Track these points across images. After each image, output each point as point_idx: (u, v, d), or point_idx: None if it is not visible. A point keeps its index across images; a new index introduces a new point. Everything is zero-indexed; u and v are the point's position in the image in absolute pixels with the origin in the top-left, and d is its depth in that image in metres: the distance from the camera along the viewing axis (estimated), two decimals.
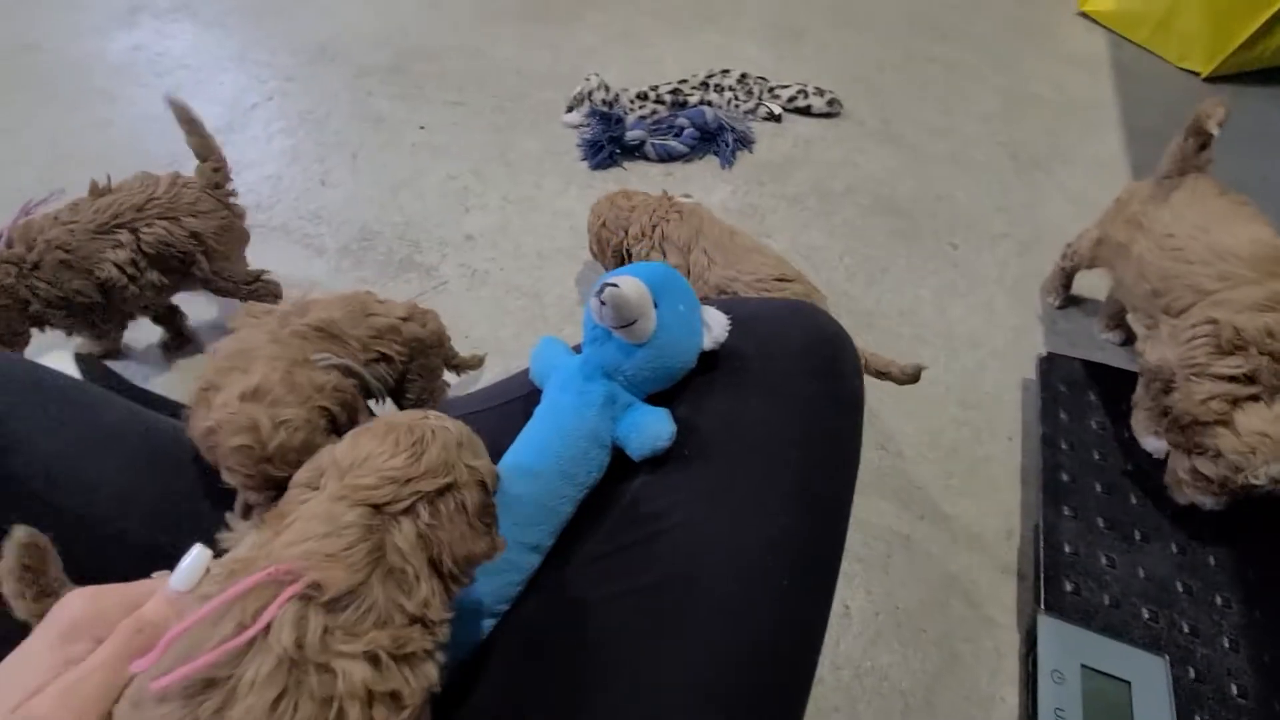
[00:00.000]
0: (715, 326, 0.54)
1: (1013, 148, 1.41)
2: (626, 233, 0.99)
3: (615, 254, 1.01)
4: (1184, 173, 0.90)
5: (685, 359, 0.53)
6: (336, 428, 0.51)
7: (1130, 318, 1.00)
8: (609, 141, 1.27)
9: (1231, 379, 0.74)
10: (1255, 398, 0.74)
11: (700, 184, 1.27)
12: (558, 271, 1.11)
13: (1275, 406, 0.73)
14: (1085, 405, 0.92)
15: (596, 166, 1.27)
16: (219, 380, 0.51)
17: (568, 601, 0.48)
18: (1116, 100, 1.55)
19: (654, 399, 0.54)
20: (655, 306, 0.52)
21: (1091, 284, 1.12)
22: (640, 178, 1.27)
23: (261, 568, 0.30)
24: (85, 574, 0.47)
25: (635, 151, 1.29)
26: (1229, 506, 0.78)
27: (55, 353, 0.74)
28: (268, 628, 0.28)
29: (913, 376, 0.82)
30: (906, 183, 1.31)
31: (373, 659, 0.29)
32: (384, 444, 0.35)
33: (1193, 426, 0.76)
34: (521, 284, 1.08)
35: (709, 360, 0.55)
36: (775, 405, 0.52)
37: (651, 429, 0.51)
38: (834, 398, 0.54)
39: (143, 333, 0.98)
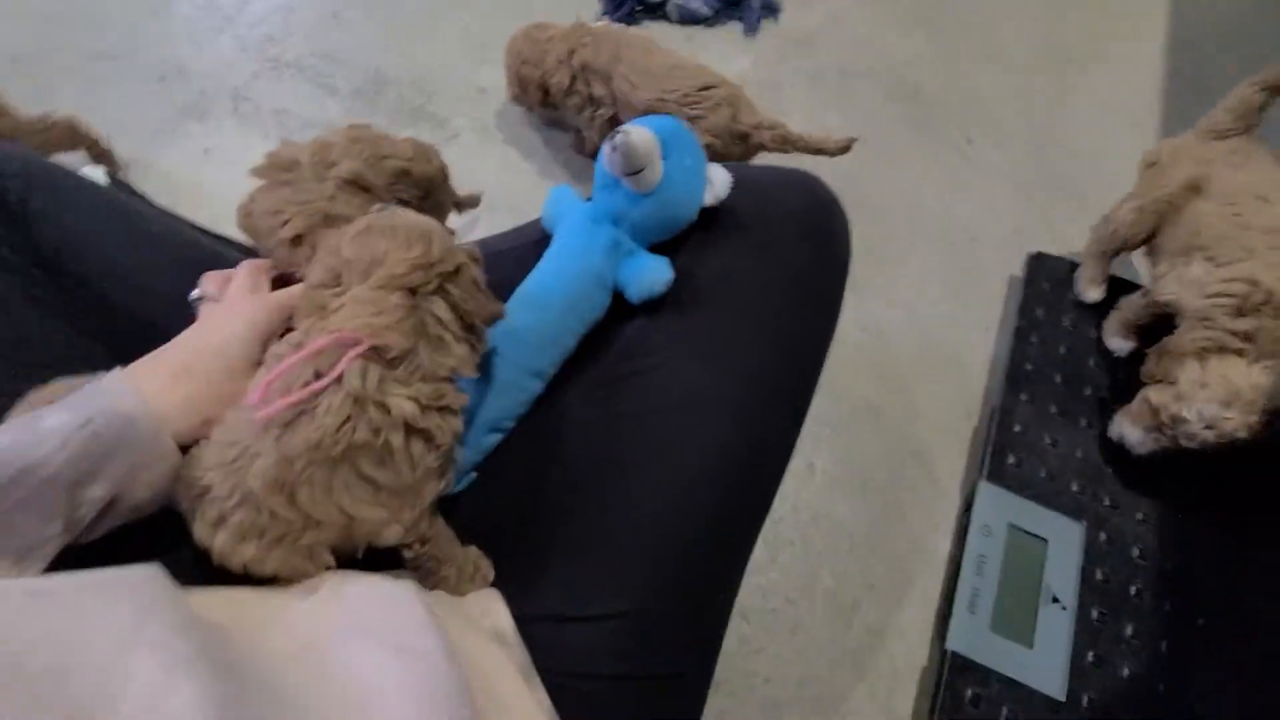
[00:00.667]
0: (718, 183, 0.57)
1: (1047, 41, 1.35)
2: (545, 65, 0.98)
3: (539, 90, 0.99)
4: (1246, 129, 0.86)
5: (688, 211, 0.57)
6: None
7: (1148, 257, 0.94)
8: None
9: (1232, 333, 0.76)
10: (1240, 353, 0.76)
11: (719, 51, 1.24)
12: (568, 130, 1.11)
13: (1253, 368, 0.75)
14: (1063, 304, 0.97)
15: (615, 20, 1.23)
16: (309, 233, 0.55)
17: (567, 420, 0.55)
18: (1168, 3, 1.47)
19: (655, 249, 0.58)
20: (664, 159, 0.55)
21: (1100, 195, 1.13)
22: (659, 38, 1.22)
23: (327, 333, 0.37)
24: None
25: (656, 9, 1.24)
26: (1151, 454, 0.81)
27: (88, 168, 0.77)
28: (340, 376, 0.36)
29: (844, 147, 0.91)
30: (931, 71, 1.28)
31: (415, 403, 0.38)
32: (396, 241, 0.41)
33: (1169, 355, 0.80)
34: (534, 140, 1.09)
35: (709, 216, 0.59)
36: (766, 262, 0.56)
37: (650, 274, 0.56)
38: (822, 259, 0.58)
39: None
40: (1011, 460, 0.85)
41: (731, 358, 0.53)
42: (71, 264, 0.52)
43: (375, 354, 0.38)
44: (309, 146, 0.59)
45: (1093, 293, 0.96)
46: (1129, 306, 0.91)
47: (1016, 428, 0.88)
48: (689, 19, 1.24)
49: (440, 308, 0.41)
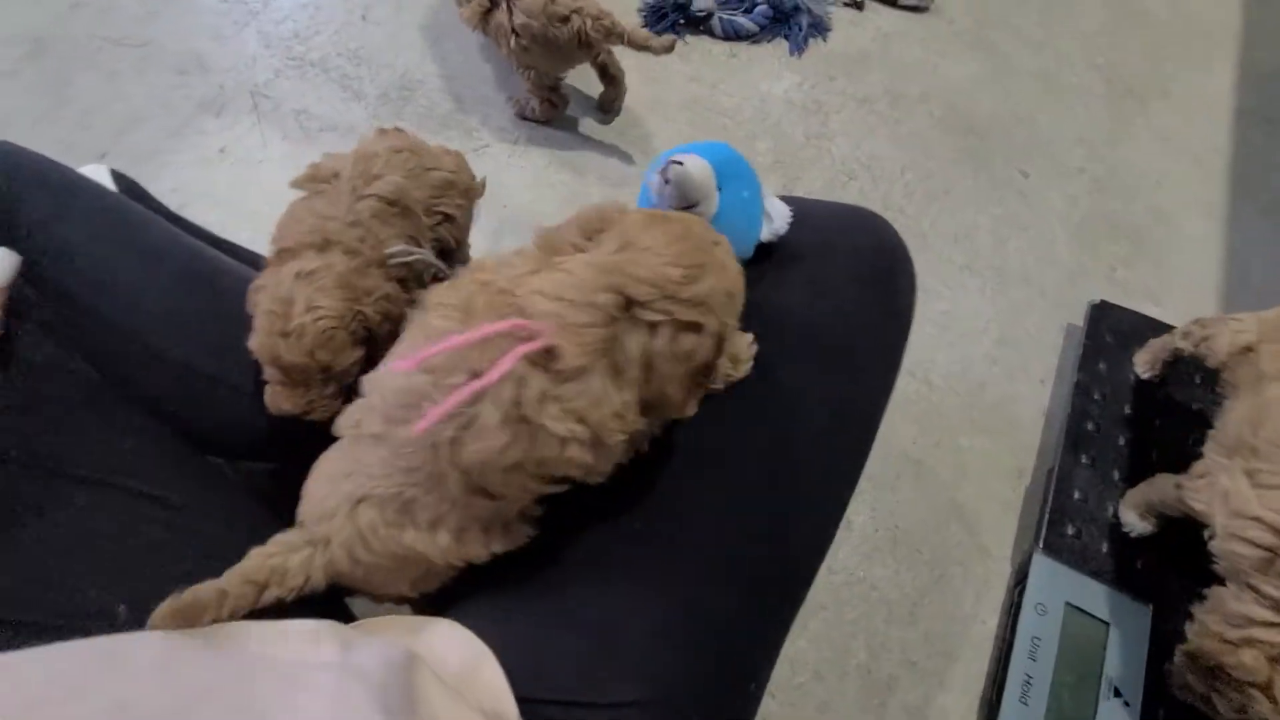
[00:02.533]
0: (777, 218, 0.51)
1: (1109, 71, 1.28)
2: None
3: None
4: None
5: (742, 248, 0.51)
6: (371, 336, 0.50)
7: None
8: (674, 9, 1.16)
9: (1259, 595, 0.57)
10: None
11: (765, 69, 1.17)
12: (602, 148, 1.05)
13: None
14: (1128, 359, 0.90)
15: (657, 34, 1.17)
16: (299, 249, 0.50)
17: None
18: (1240, 29, 1.39)
19: None
20: (719, 190, 0.49)
21: (1155, 248, 1.05)
22: (701, 55, 1.18)
23: (505, 316, 0.33)
24: (130, 390, 0.49)
25: (700, 24, 1.19)
26: None
27: (91, 166, 0.72)
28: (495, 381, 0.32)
29: (667, 47, 0.89)
30: (986, 97, 1.21)
31: (573, 438, 0.33)
32: (671, 246, 0.35)
33: (1218, 670, 0.58)
34: (565, 157, 1.03)
35: (764, 251, 0.53)
36: (822, 306, 0.50)
37: None
38: (885, 308, 0.53)
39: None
40: (1070, 531, 0.78)
41: (778, 419, 0.48)
42: (57, 274, 0.47)
43: (546, 357, 0.32)
44: (351, 157, 0.54)
45: (1148, 373, 0.88)
46: (1156, 490, 0.74)
47: (1076, 494, 0.80)
48: (734, 35, 1.19)
49: (634, 341, 0.34)
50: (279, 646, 0.37)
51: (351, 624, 0.45)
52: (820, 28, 1.22)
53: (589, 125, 1.07)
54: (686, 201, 0.47)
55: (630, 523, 0.45)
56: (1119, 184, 1.13)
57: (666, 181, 0.47)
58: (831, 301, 0.50)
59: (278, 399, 0.48)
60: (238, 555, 0.50)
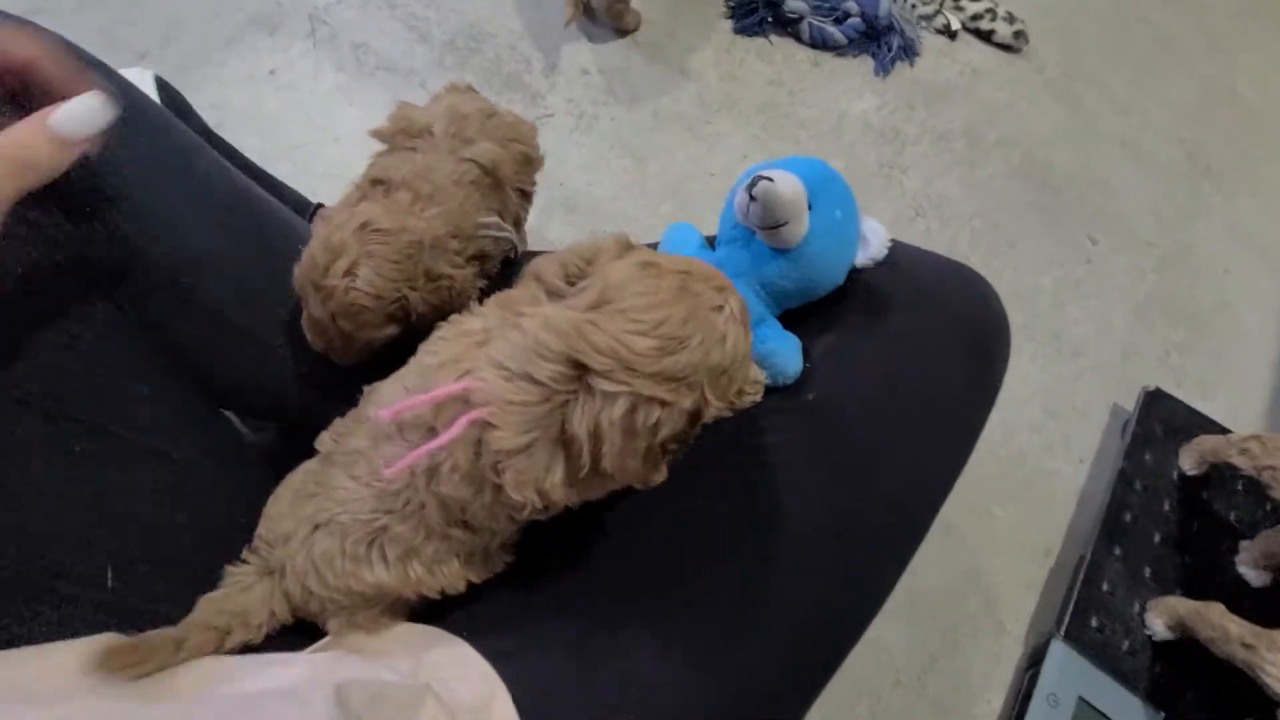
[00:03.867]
0: (873, 242, 0.47)
1: (1192, 147, 1.24)
2: None
3: None
4: None
5: (833, 274, 0.47)
6: (407, 315, 0.45)
7: None
8: (765, 5, 1.10)
9: None
10: None
11: (847, 85, 1.12)
12: (670, 139, 1.00)
13: None
14: (1174, 454, 0.87)
15: (740, 31, 1.12)
16: (398, 186, 0.45)
17: (640, 503, 0.45)
18: None
19: (788, 316, 0.48)
20: (809, 209, 0.45)
21: (1222, 333, 1.02)
22: (785, 58, 1.12)
23: (459, 375, 0.32)
24: (153, 334, 0.44)
25: (789, 26, 1.13)
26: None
27: (134, 70, 0.66)
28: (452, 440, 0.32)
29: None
30: (1065, 153, 1.17)
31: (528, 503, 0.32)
32: (653, 310, 0.30)
33: None
34: (630, 142, 0.98)
35: (859, 293, 0.49)
36: (915, 371, 0.47)
37: (779, 361, 0.46)
38: (978, 384, 0.49)
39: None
40: (1094, 624, 0.75)
41: (854, 486, 0.45)
42: (93, 196, 0.42)
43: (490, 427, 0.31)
44: (441, 113, 0.48)
45: (1193, 470, 0.84)
46: (1199, 618, 0.70)
47: (1104, 586, 0.78)
48: (821, 44, 1.13)
49: (581, 417, 0.30)
50: (261, 685, 0.33)
51: (348, 636, 0.41)
52: (910, 51, 1.17)
53: (662, 112, 1.02)
54: (774, 221, 0.43)
55: (659, 557, 0.42)
56: (1186, 265, 1.10)
57: (753, 198, 0.42)
58: (924, 368, 0.46)
59: (305, 326, 0.45)
60: (233, 521, 0.46)
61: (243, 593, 0.37)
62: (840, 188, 0.47)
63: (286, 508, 0.38)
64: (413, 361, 0.39)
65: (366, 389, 0.41)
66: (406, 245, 0.43)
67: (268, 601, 0.37)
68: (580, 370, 0.30)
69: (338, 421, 0.41)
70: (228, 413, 0.52)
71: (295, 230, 0.51)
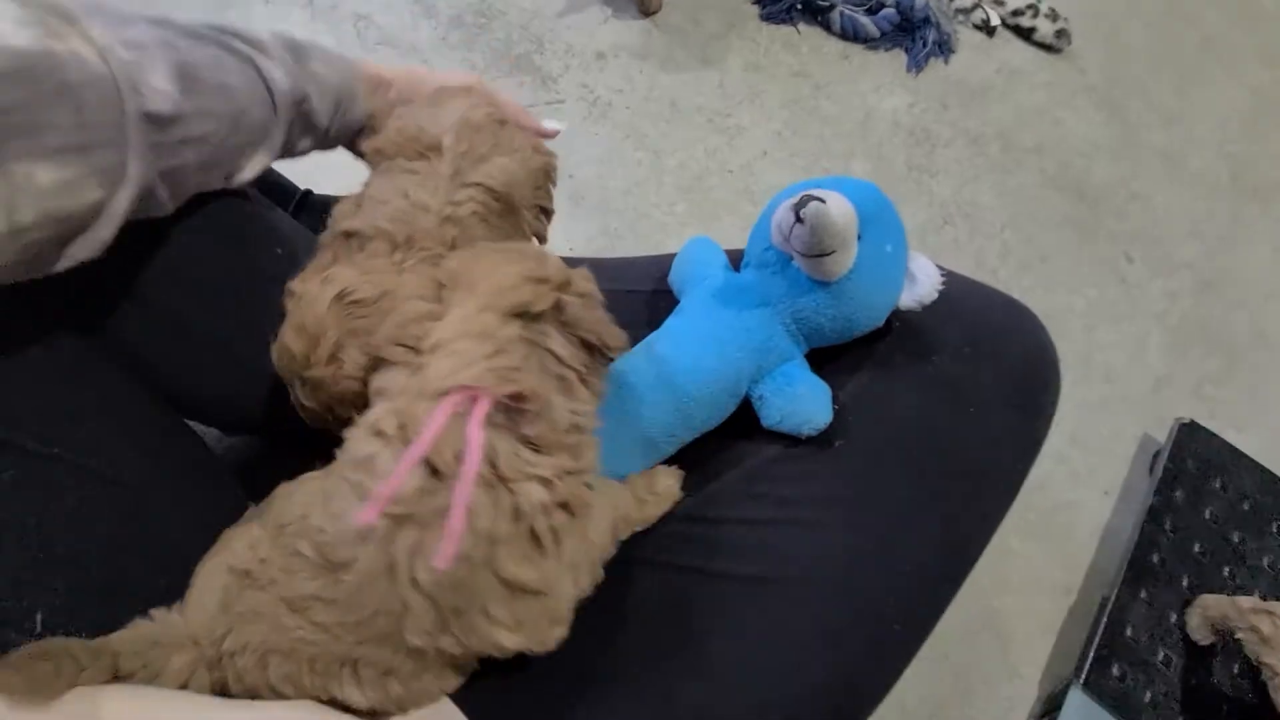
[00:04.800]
0: (922, 281, 0.42)
1: (1238, 164, 1.17)
2: None
3: None
4: None
5: (875, 314, 0.42)
6: None
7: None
8: None
9: None
10: None
11: (876, 80, 1.06)
12: (688, 133, 0.94)
13: None
14: (1208, 492, 0.82)
15: (768, 18, 1.05)
16: (371, 237, 0.38)
17: (649, 552, 0.41)
18: None
19: (816, 352, 0.44)
20: (858, 239, 0.40)
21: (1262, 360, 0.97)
22: (812, 49, 1.06)
23: (439, 397, 0.28)
24: (114, 342, 0.39)
25: (819, 15, 1.06)
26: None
27: None
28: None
29: None
30: (1104, 164, 1.10)
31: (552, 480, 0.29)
32: (507, 259, 0.33)
33: None
34: (646, 133, 0.92)
35: (904, 329, 0.45)
36: (959, 422, 0.42)
37: (805, 409, 0.42)
38: (1025, 437, 0.45)
39: None
40: (1115, 672, 0.71)
41: (886, 549, 0.41)
42: None
43: (503, 411, 0.29)
44: (455, 127, 0.40)
45: (1204, 640, 0.73)
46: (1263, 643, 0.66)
47: (1128, 631, 0.73)
48: (852, 35, 1.07)
49: (556, 341, 0.33)
50: None
51: None
52: (945, 47, 1.11)
53: (681, 102, 0.96)
54: (820, 248, 0.38)
55: (662, 620, 0.38)
56: (1225, 290, 1.04)
57: (799, 220, 0.37)
58: (971, 420, 0.42)
59: (296, 407, 0.38)
60: (193, 548, 0.41)
61: (169, 650, 0.31)
62: (893, 219, 0.42)
63: (222, 601, 0.32)
64: (334, 487, 0.31)
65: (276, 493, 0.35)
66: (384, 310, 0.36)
67: (186, 676, 0.31)
68: (527, 322, 0.32)
69: (303, 490, 0.34)
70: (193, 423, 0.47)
71: (271, 225, 0.46)
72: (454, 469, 0.27)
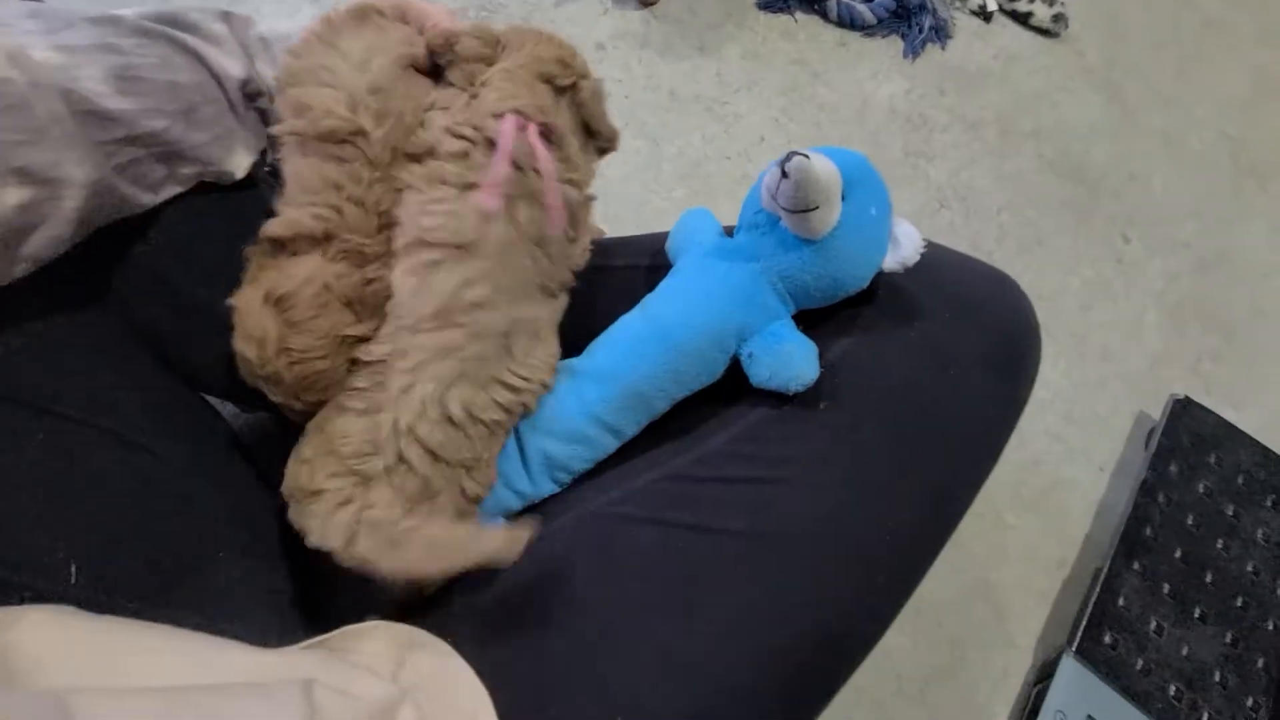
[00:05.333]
0: (905, 245, 0.44)
1: (1238, 145, 1.18)
2: None
3: None
4: None
5: (859, 274, 0.44)
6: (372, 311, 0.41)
7: None
8: None
9: None
10: None
11: (873, 67, 1.07)
12: (687, 121, 0.96)
13: None
14: (1202, 466, 0.83)
15: (765, 7, 1.07)
16: (294, 240, 0.40)
17: (642, 510, 0.43)
18: None
19: (804, 317, 0.45)
20: (843, 200, 0.42)
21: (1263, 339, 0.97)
22: (809, 36, 1.07)
23: (497, 114, 0.41)
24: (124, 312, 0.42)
25: (816, 3, 1.08)
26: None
27: None
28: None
29: None
30: (1102, 146, 1.11)
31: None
32: (549, 41, 0.44)
33: None
34: (645, 121, 0.94)
35: (884, 296, 0.47)
36: (941, 383, 0.44)
37: (792, 364, 0.43)
38: (1006, 399, 0.46)
39: None
40: (1107, 640, 0.72)
41: (872, 503, 0.42)
42: None
43: (544, 136, 0.42)
44: (380, 102, 0.41)
45: None
46: None
47: (1120, 601, 0.75)
48: (848, 23, 1.08)
49: (565, 115, 0.44)
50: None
51: (331, 635, 0.39)
52: (941, 33, 1.12)
53: (679, 91, 0.98)
54: (804, 203, 0.40)
55: (657, 573, 0.40)
56: (1224, 269, 1.05)
57: (785, 175, 0.39)
58: (953, 382, 0.43)
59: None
60: (211, 514, 0.44)
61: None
62: (877, 184, 0.44)
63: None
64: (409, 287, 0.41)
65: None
66: (317, 294, 0.38)
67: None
68: (549, 85, 0.44)
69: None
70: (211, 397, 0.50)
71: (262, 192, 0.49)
72: (530, 162, 0.40)
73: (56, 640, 0.28)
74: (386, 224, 0.41)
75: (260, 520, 0.48)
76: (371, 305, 0.41)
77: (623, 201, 0.88)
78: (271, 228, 0.39)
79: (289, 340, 0.38)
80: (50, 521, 0.36)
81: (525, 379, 0.42)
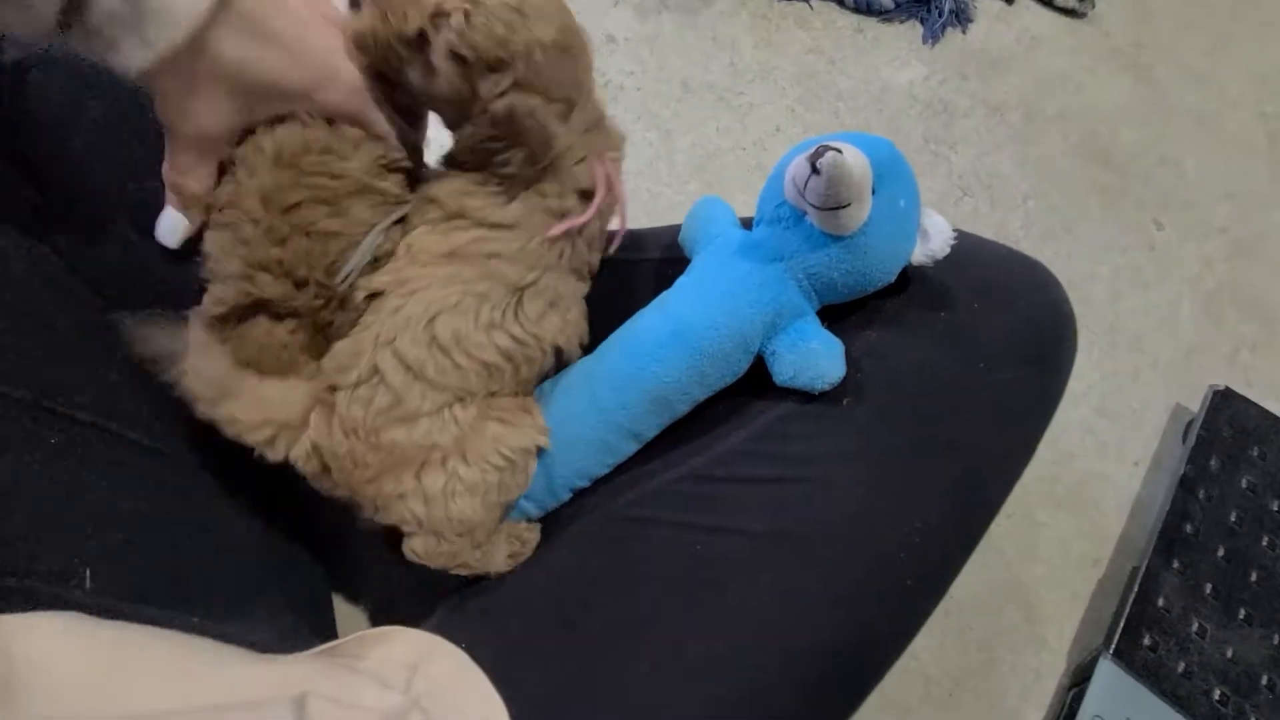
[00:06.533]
0: (934, 236, 0.42)
1: (1275, 124, 1.13)
2: None
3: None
4: None
5: (888, 269, 0.42)
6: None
7: None
8: None
9: None
10: None
11: (892, 53, 1.04)
12: (700, 112, 0.94)
13: None
14: (1244, 460, 0.79)
15: None
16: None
17: (658, 512, 0.42)
18: None
19: (826, 309, 0.44)
20: (873, 193, 0.40)
21: None
22: (825, 24, 1.05)
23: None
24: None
25: None
26: None
27: None
28: None
29: None
30: (1131, 129, 1.07)
31: None
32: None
33: None
34: (657, 113, 0.92)
35: (914, 288, 0.45)
36: (971, 376, 0.42)
37: (817, 364, 0.42)
38: (1040, 391, 0.44)
39: None
40: (1146, 641, 0.70)
41: (898, 504, 0.41)
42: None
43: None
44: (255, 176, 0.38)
45: None
46: None
47: (1160, 601, 0.71)
48: (865, 8, 1.05)
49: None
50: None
51: (344, 640, 0.38)
52: (962, 17, 1.08)
53: (692, 82, 0.96)
54: (836, 200, 0.38)
55: (674, 575, 0.39)
56: (1263, 254, 1.00)
57: (815, 171, 0.37)
58: (983, 374, 0.41)
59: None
60: (223, 519, 0.43)
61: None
62: (906, 173, 0.42)
63: None
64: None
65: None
66: (277, 356, 0.39)
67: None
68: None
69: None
70: None
71: None
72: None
73: (64, 653, 0.28)
74: (317, 280, 0.38)
75: (274, 519, 0.48)
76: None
77: (635, 196, 0.86)
78: (206, 309, 0.38)
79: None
80: (62, 527, 0.35)
81: (533, 335, 0.40)
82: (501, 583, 0.43)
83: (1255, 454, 0.80)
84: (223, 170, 0.38)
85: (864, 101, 1.00)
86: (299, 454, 0.38)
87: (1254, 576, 0.74)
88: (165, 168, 0.37)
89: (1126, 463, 0.84)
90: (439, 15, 0.34)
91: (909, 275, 0.44)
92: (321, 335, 0.40)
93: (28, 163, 0.41)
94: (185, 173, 0.37)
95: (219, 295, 0.38)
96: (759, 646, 0.37)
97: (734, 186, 0.89)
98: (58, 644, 0.28)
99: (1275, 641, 0.71)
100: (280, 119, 0.36)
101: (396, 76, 0.37)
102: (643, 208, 0.86)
